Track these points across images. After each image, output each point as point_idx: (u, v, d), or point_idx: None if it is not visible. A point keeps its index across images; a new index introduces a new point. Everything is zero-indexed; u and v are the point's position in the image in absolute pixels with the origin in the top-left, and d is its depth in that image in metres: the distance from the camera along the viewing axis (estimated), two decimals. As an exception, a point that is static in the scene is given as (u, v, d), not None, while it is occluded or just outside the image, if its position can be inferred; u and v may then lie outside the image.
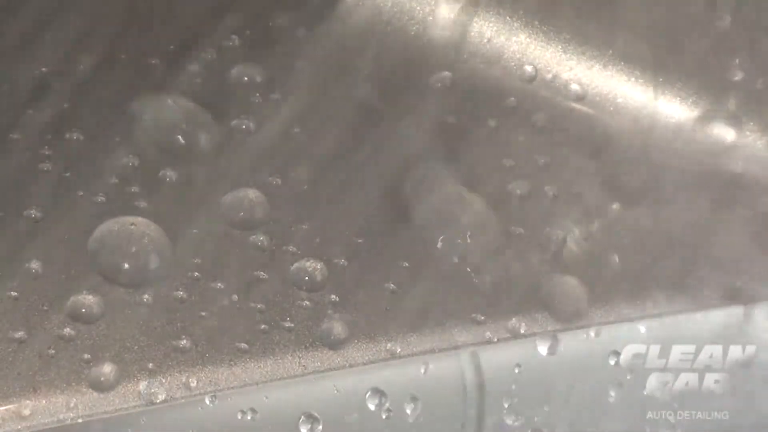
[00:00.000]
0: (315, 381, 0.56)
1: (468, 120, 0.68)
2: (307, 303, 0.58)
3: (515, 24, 0.69)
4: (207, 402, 0.55)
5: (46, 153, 0.60)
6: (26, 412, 0.54)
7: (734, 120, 0.67)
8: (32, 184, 0.59)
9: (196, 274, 0.59)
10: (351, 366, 0.57)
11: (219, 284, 0.58)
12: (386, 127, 0.67)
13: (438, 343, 0.58)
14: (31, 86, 0.64)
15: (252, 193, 0.61)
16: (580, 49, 0.69)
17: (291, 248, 0.60)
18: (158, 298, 0.58)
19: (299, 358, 0.56)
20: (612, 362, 0.59)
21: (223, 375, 0.56)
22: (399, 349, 0.57)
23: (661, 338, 0.60)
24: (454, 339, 0.58)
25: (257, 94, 0.67)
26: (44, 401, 0.54)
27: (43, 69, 0.64)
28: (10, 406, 0.54)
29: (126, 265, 0.57)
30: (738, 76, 0.66)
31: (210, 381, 0.55)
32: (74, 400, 0.54)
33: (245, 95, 0.67)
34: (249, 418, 0.55)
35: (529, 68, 0.68)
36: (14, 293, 0.57)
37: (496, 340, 0.58)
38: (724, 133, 0.67)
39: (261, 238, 0.60)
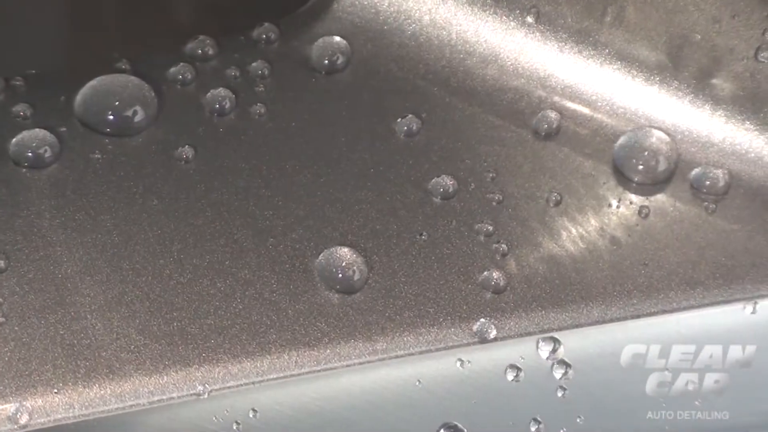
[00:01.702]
0: (314, 379, 0.56)
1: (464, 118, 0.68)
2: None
3: (512, 23, 0.69)
4: (206, 401, 0.55)
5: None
6: (24, 412, 0.54)
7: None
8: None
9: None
10: (347, 365, 0.57)
11: (218, 284, 0.59)
12: (384, 127, 0.67)
13: (434, 343, 0.58)
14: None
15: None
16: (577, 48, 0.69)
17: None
18: (157, 297, 0.58)
19: (296, 356, 0.56)
20: (611, 362, 0.59)
21: (220, 374, 0.56)
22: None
23: (661, 338, 0.59)
24: (450, 339, 0.58)
25: (253, 95, 0.68)
26: (41, 401, 0.54)
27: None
28: (8, 406, 0.54)
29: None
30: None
31: (209, 380, 0.55)
32: (72, 399, 0.54)
33: (240, 96, 0.68)
34: (250, 416, 0.55)
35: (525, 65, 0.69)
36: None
37: (494, 340, 0.58)
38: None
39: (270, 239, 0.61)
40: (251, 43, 0.70)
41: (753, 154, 0.66)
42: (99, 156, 0.64)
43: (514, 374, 0.58)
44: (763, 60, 0.65)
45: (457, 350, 0.58)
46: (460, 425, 0.57)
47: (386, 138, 0.66)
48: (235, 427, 0.55)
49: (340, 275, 0.59)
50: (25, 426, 0.53)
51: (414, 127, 0.67)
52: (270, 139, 0.66)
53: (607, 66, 0.68)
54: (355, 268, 0.59)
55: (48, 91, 0.66)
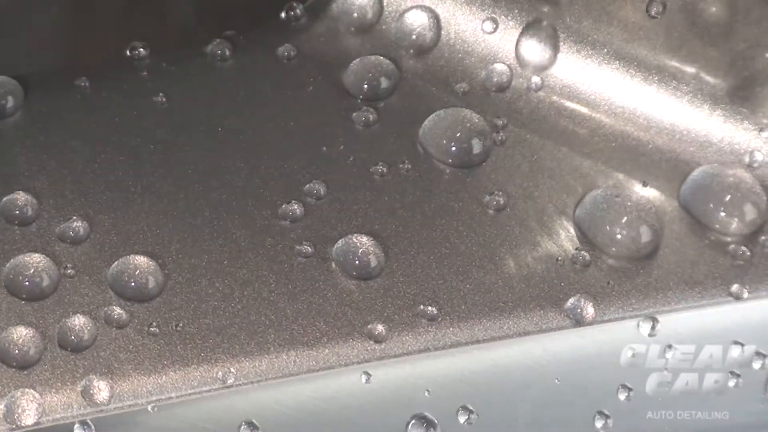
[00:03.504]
0: (314, 379, 0.56)
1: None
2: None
3: (510, 23, 0.69)
4: (205, 401, 0.55)
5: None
6: (25, 411, 0.54)
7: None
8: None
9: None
10: (345, 365, 0.57)
11: (217, 284, 0.59)
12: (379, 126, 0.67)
13: (433, 342, 0.58)
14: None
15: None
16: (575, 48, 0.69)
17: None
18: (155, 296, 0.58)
19: (294, 356, 0.56)
20: (612, 362, 0.59)
21: (218, 374, 0.56)
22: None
23: (661, 338, 0.59)
24: (448, 339, 0.58)
25: (250, 92, 0.68)
26: (40, 400, 0.54)
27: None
28: (7, 406, 0.54)
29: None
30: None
31: (207, 380, 0.55)
32: (71, 399, 0.54)
33: (238, 93, 0.68)
34: (249, 416, 0.56)
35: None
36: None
37: (493, 339, 0.58)
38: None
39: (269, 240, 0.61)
40: (257, 43, 0.71)
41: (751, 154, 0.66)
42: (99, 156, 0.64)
43: (513, 374, 0.58)
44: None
45: (456, 350, 0.58)
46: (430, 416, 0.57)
47: (383, 138, 0.66)
48: (234, 427, 0.55)
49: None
50: (25, 425, 0.53)
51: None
52: (270, 138, 0.66)
53: (605, 66, 0.68)
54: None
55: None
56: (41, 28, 0.69)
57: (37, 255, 0.58)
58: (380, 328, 0.57)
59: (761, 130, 0.66)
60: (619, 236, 0.61)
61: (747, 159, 0.65)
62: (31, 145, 0.64)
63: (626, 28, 0.67)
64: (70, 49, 0.71)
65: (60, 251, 0.59)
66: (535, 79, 0.69)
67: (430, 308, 0.59)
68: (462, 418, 0.57)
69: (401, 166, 0.65)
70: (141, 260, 0.59)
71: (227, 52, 0.69)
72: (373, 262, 0.60)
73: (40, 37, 0.69)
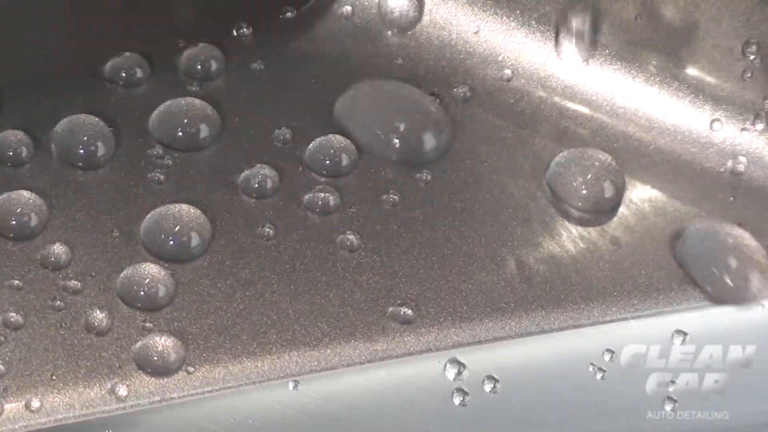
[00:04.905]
0: (314, 379, 0.56)
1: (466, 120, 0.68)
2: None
3: (512, 24, 0.69)
4: (206, 401, 0.55)
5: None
6: (25, 410, 0.54)
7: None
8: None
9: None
10: (347, 365, 0.57)
11: (219, 284, 0.59)
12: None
13: (434, 342, 0.58)
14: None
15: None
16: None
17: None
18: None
19: (296, 356, 0.57)
20: (611, 362, 0.59)
21: (220, 374, 0.56)
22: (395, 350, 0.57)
23: (661, 338, 0.59)
24: (449, 339, 0.58)
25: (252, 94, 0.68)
26: (42, 401, 0.54)
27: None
28: (10, 405, 0.54)
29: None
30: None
31: (210, 380, 0.55)
32: (72, 399, 0.54)
33: (239, 93, 0.68)
34: (250, 416, 0.56)
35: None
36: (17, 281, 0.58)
37: (492, 340, 0.58)
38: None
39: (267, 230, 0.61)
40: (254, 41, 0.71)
41: (753, 154, 0.66)
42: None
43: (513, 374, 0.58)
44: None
45: (457, 350, 0.58)
46: None
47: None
48: (234, 427, 0.55)
49: None
50: (27, 425, 0.53)
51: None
52: (269, 136, 0.66)
53: (607, 66, 0.68)
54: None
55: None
56: (42, 27, 0.69)
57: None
58: (383, 328, 0.58)
59: (763, 131, 0.66)
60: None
61: (746, 160, 0.66)
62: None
63: (628, 28, 0.67)
64: (71, 48, 0.70)
65: (62, 252, 0.59)
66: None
67: (432, 308, 0.59)
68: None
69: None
70: (150, 267, 0.59)
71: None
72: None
73: (40, 37, 0.69)
